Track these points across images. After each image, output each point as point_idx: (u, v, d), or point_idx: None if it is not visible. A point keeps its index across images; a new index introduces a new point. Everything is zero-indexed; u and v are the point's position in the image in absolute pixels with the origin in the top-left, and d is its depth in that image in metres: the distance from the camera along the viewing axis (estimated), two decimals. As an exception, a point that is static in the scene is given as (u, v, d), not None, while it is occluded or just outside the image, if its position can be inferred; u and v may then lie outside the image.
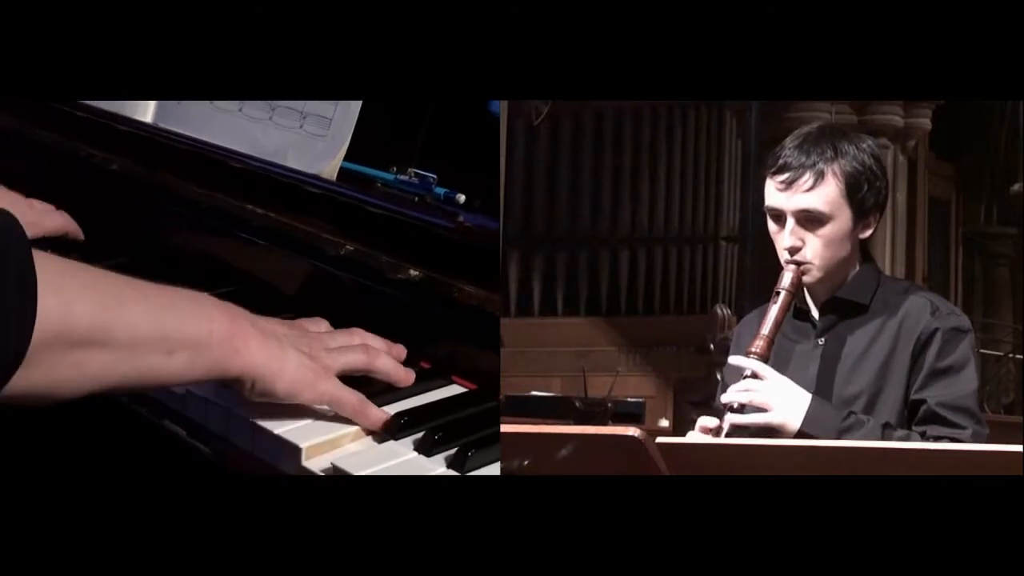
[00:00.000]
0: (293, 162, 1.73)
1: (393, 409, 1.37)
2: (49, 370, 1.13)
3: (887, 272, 6.96)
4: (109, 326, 1.19)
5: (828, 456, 1.27)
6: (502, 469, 1.29)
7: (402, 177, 1.65)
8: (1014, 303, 7.98)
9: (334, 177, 1.70)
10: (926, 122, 7.24)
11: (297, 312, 1.61)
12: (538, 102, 7.33)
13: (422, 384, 1.45)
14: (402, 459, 1.29)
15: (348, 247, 1.57)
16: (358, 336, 1.45)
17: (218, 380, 1.31)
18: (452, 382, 1.49)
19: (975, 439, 1.57)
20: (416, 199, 1.62)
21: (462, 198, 1.61)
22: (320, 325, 1.48)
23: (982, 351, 7.51)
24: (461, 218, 1.53)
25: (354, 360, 1.39)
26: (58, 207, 1.89)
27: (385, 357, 1.42)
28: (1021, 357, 7.48)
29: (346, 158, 1.71)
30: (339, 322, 1.54)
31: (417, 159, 1.67)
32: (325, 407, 1.35)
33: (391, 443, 1.33)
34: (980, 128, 7.84)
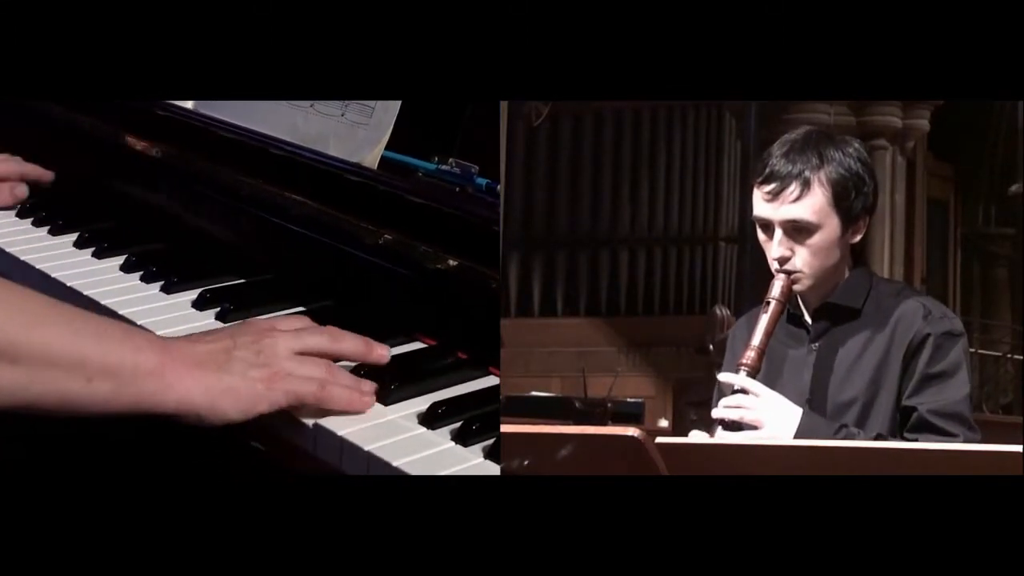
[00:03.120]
0: (334, 150, 1.73)
1: (431, 399, 1.39)
2: None
3: (885, 274, 6.93)
4: (20, 342, 1.19)
5: (828, 456, 1.27)
6: (502, 469, 1.29)
7: (443, 167, 1.65)
8: (1012, 304, 7.98)
9: (375, 166, 1.69)
10: (925, 123, 7.24)
11: (335, 300, 1.63)
12: (538, 103, 7.33)
13: (459, 374, 1.47)
14: (438, 448, 1.31)
15: (387, 236, 1.57)
16: (329, 336, 1.38)
17: (152, 415, 1.26)
18: (489, 373, 1.50)
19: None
20: (457, 189, 1.62)
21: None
22: (298, 322, 1.42)
23: (981, 352, 7.52)
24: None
25: (313, 372, 1.33)
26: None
27: (344, 377, 1.35)
28: (1020, 358, 7.49)
29: (388, 147, 1.70)
30: (378, 312, 1.56)
31: (459, 149, 1.66)
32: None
33: (424, 431, 1.34)
34: (979, 129, 7.84)
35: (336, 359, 1.39)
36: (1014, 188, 7.71)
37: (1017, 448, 1.19)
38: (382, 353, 1.42)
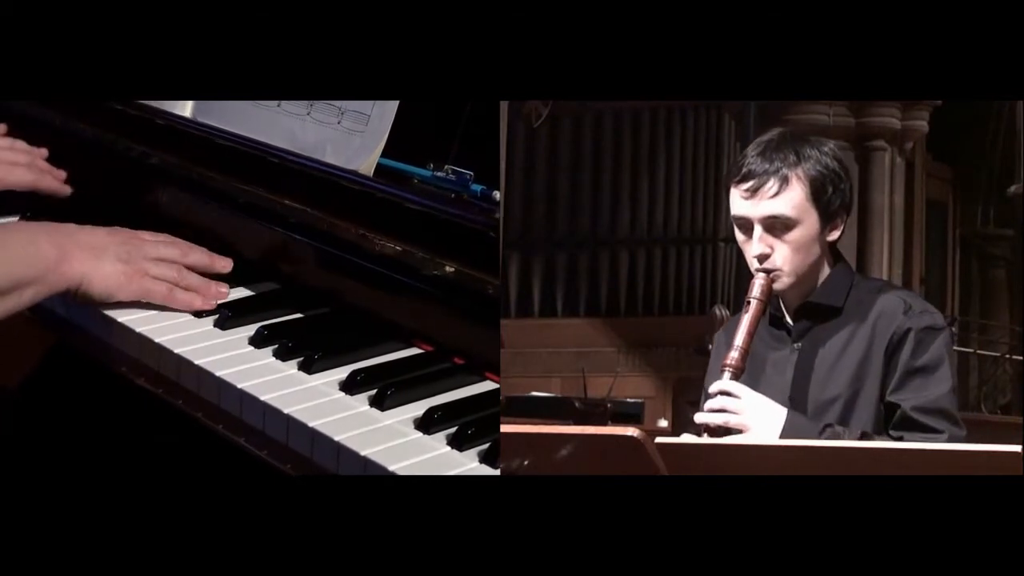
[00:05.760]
0: (331, 158, 1.74)
1: (427, 404, 1.39)
2: None
3: (884, 275, 6.89)
4: None
5: (827, 456, 1.27)
6: (502, 469, 1.29)
7: (439, 174, 1.65)
8: (1011, 304, 7.98)
9: (371, 173, 1.70)
10: (923, 124, 7.23)
11: (332, 306, 1.64)
12: (538, 104, 7.32)
13: (455, 379, 1.48)
14: (434, 453, 1.31)
15: (383, 243, 1.58)
16: (179, 249, 1.66)
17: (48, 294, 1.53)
18: (485, 378, 1.50)
19: (952, 442, 1.55)
20: (453, 196, 1.63)
21: (498, 195, 1.62)
22: (159, 236, 1.68)
23: (979, 352, 7.52)
24: (497, 215, 1.55)
25: (166, 273, 1.62)
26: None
27: (192, 279, 1.63)
28: (1018, 358, 7.49)
29: (383, 154, 1.71)
30: (375, 318, 1.58)
31: (454, 156, 1.67)
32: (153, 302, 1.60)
33: (420, 436, 1.35)
34: (977, 130, 7.84)
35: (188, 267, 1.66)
36: (1012, 189, 7.71)
37: (1017, 448, 1.19)
38: (223, 264, 1.69)
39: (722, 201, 7.47)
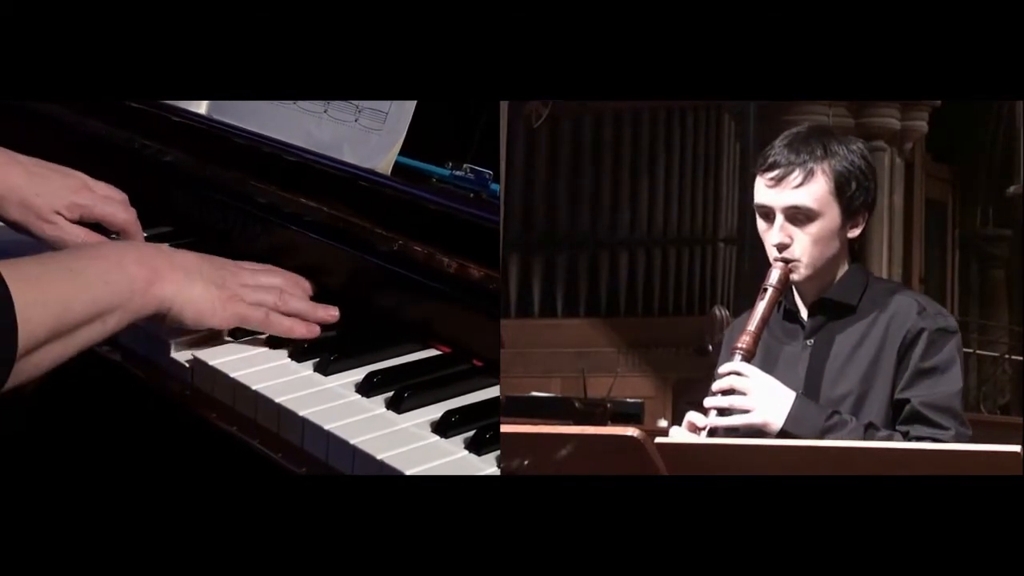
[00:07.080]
0: (348, 156, 1.72)
1: (445, 407, 1.38)
2: (16, 377, 1.25)
3: (884, 275, 6.91)
4: (61, 327, 1.30)
5: (827, 456, 1.28)
6: (503, 469, 1.29)
7: (458, 173, 1.64)
8: (1010, 305, 7.99)
9: (389, 171, 1.68)
10: (923, 124, 7.24)
11: (350, 306, 1.62)
12: (538, 104, 7.33)
13: (474, 382, 1.47)
14: (452, 457, 1.31)
15: (401, 242, 1.57)
16: (277, 275, 1.59)
17: (136, 320, 1.43)
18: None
19: (958, 440, 1.57)
20: (471, 195, 1.61)
21: None
22: (261, 267, 1.60)
23: (979, 352, 7.52)
24: None
25: (263, 298, 1.53)
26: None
27: (294, 303, 1.55)
28: (1018, 358, 7.49)
29: (401, 152, 1.70)
30: (392, 319, 1.57)
31: (473, 154, 1.65)
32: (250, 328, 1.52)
33: (437, 440, 1.34)
34: (976, 131, 7.84)
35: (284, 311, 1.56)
36: (1012, 189, 7.72)
37: (1016, 448, 1.19)
38: (327, 315, 1.57)
39: (722, 201, 7.50)
